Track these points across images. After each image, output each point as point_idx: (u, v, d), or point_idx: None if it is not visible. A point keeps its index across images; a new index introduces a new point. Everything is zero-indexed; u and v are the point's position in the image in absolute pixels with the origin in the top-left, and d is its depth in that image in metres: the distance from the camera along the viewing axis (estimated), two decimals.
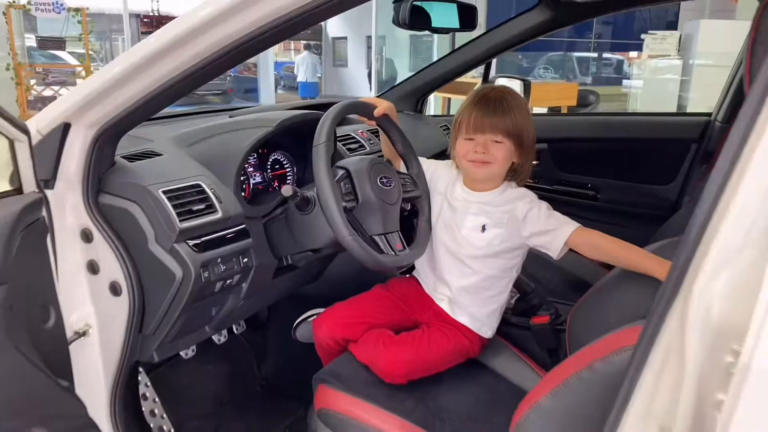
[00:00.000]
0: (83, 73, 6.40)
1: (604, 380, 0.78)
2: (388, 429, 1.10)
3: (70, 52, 6.79)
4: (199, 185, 1.19)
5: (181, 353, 1.44)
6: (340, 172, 1.24)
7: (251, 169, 1.44)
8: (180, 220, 1.11)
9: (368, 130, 1.74)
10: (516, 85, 2.35)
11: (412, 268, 1.45)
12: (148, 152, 1.25)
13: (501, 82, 2.28)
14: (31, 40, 6.51)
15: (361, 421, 1.12)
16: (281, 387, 1.66)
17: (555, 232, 1.22)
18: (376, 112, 1.32)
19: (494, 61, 2.47)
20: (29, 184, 1.02)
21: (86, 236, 1.13)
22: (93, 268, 1.15)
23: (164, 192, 1.12)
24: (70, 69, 6.53)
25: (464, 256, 1.31)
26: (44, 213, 1.04)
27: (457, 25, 1.84)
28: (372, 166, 1.27)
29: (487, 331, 1.34)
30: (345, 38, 15.32)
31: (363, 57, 14.87)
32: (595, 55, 10.69)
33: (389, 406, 1.14)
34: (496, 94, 1.29)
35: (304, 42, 16.14)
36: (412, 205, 1.37)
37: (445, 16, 1.85)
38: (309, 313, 1.52)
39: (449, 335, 1.30)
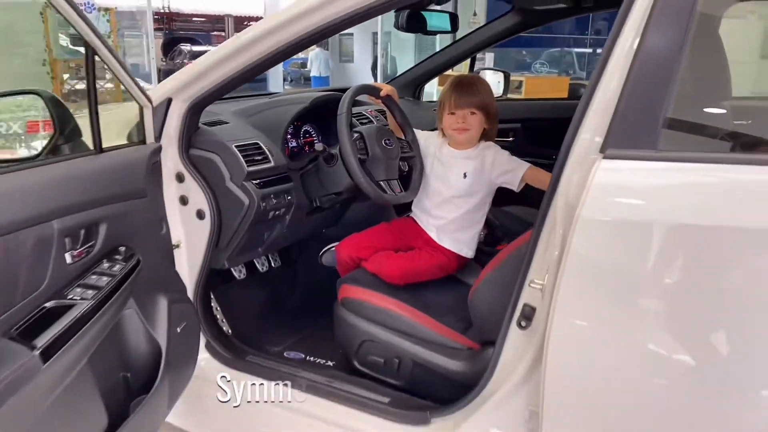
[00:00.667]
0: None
1: (521, 256, 1.25)
2: (390, 307, 1.61)
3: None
4: (257, 143, 1.69)
5: (234, 274, 1.95)
6: (356, 134, 1.74)
7: (288, 136, 1.94)
8: (247, 166, 1.61)
9: (376, 110, 2.23)
10: (499, 77, 2.86)
11: (409, 209, 1.94)
12: (219, 121, 1.75)
13: (486, 73, 2.79)
14: (64, 39, 7.02)
15: (371, 303, 1.63)
16: (309, 303, 2.14)
17: (514, 171, 1.72)
18: (382, 93, 1.83)
19: (493, 55, 2.96)
20: (150, 138, 1.53)
21: (179, 178, 1.63)
22: (183, 200, 1.64)
23: (236, 146, 1.62)
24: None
25: (451, 197, 1.80)
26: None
27: (448, 28, 2.34)
28: (378, 131, 1.77)
29: (468, 252, 1.83)
30: (351, 35, 15.80)
31: (368, 53, 15.36)
32: (591, 51, 11.13)
33: (390, 294, 1.64)
34: (468, 80, 1.79)
35: None
36: (408, 164, 1.87)
37: (438, 21, 2.35)
38: (331, 245, 2.02)
39: (434, 255, 1.80)
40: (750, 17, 1.77)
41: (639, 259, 1.01)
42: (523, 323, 1.22)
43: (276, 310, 2.12)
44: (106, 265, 1.20)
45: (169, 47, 18.19)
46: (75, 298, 1.06)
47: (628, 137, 1.03)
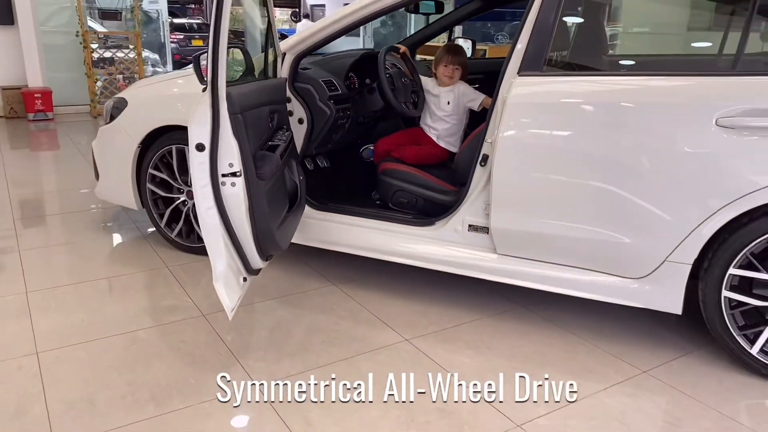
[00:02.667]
0: (134, 39, 7.96)
1: (481, 133, 2.52)
2: (410, 170, 2.88)
3: None
4: (331, 80, 2.93)
5: (318, 162, 3.18)
6: (387, 75, 2.99)
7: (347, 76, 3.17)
8: (329, 92, 2.85)
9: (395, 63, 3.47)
10: (469, 43, 4.13)
11: (417, 123, 3.20)
12: (306, 67, 2.98)
13: (459, 41, 4.05)
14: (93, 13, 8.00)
15: (399, 170, 2.90)
16: (352, 183, 3.37)
17: (475, 99, 3.00)
18: (401, 51, 3.08)
19: (461, 28, 4.23)
20: (280, 75, 2.76)
21: (288, 100, 2.85)
22: (290, 113, 2.87)
23: (322, 80, 2.86)
24: (123, 35, 8.06)
25: (442, 116, 3.06)
26: None
27: (434, 10, 3.60)
28: (400, 73, 3.04)
29: (453, 148, 3.10)
30: (323, 5, 16.81)
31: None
32: None
33: (412, 167, 2.91)
34: (455, 48, 3.06)
35: (291, 11, 17.70)
36: (416, 94, 3.13)
37: (427, 7, 3.61)
38: (367, 145, 3.28)
39: (433, 149, 3.07)
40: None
41: (534, 119, 2.30)
42: (482, 163, 2.50)
43: (336, 184, 3.33)
44: (279, 133, 2.44)
45: None
46: (278, 142, 2.31)
47: (529, 67, 2.31)
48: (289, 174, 2.59)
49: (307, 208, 2.89)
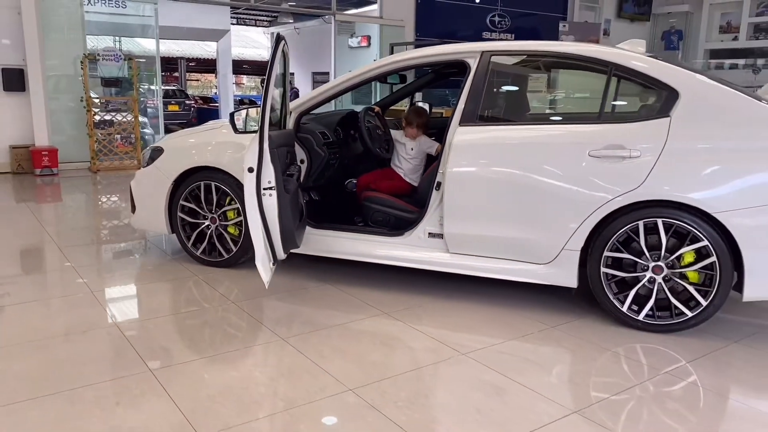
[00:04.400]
0: (131, 104, 8.92)
1: (436, 167, 3.54)
2: (386, 197, 3.86)
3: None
4: (324, 131, 3.95)
5: (312, 195, 4.15)
6: (366, 128, 4.03)
7: (335, 129, 4.19)
8: (322, 140, 3.85)
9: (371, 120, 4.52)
10: (426, 106, 5.22)
11: (389, 164, 4.21)
12: (306, 121, 3.99)
13: (420, 103, 5.15)
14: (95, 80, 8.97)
15: (377, 197, 3.88)
16: (344, 208, 4.32)
17: (432, 146, 4.04)
18: (376, 110, 4.13)
19: (421, 93, 5.37)
20: (288, 127, 3.75)
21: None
22: (298, 158, 3.85)
23: (318, 131, 3.87)
24: (123, 101, 9.02)
25: (408, 158, 4.08)
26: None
27: (398, 81, 4.69)
28: (375, 127, 4.08)
29: (415, 182, 4.11)
30: (293, 73, 18.33)
31: (308, 89, 17.89)
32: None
33: (386, 195, 3.90)
34: (418, 109, 4.13)
35: (261, 78, 19.14)
36: (388, 143, 4.16)
37: (393, 78, 4.69)
38: (350, 180, 4.27)
39: (401, 183, 4.07)
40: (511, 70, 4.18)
41: (471, 156, 3.33)
42: (437, 188, 3.49)
43: (328, 209, 4.27)
44: (292, 167, 3.42)
45: None
46: (292, 171, 3.28)
47: (467, 120, 3.36)
48: (298, 197, 3.55)
49: (307, 226, 3.82)
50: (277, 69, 2.81)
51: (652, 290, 3.08)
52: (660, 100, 3.12)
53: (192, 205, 4.06)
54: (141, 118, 10.81)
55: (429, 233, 3.55)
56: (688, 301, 3.03)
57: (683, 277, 3.03)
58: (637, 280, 3.10)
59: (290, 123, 3.78)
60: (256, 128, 3.14)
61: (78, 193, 7.22)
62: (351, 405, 2.35)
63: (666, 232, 3.01)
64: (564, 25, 13.38)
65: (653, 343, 3.00)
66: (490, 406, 2.38)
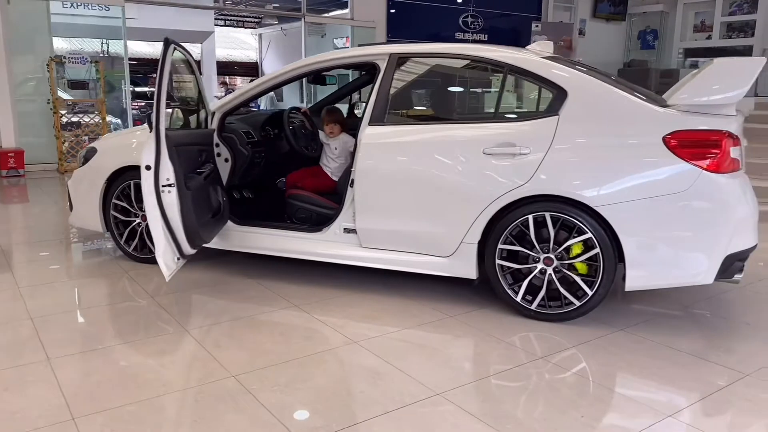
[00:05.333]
0: (98, 106, 9.05)
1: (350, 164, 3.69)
2: (308, 194, 4.00)
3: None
4: (249, 131, 4.08)
5: (244, 193, 4.29)
6: (291, 127, 4.16)
7: (261, 128, 4.33)
8: (246, 139, 3.99)
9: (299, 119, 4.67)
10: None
11: (317, 162, 4.35)
12: (231, 122, 4.13)
13: (360, 103, 5.28)
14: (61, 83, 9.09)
15: (301, 194, 4.02)
16: (272, 206, 4.47)
17: (351, 142, 4.18)
18: (302, 110, 4.27)
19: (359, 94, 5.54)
20: (211, 127, 3.89)
21: (217, 145, 3.97)
22: (218, 154, 3.99)
23: (242, 131, 4.01)
24: (90, 102, 9.15)
25: (334, 157, 4.22)
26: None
27: (335, 81, 4.83)
28: (302, 125, 4.21)
29: (336, 178, 4.25)
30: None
31: (296, 96, 18.02)
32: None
33: (310, 192, 4.04)
34: (330, 108, 4.27)
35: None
36: (314, 142, 4.30)
37: (331, 79, 4.83)
38: (281, 178, 4.41)
39: (327, 180, 4.21)
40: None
41: (378, 153, 3.46)
42: (351, 186, 3.63)
43: (259, 207, 4.41)
44: (206, 165, 3.55)
45: None
46: (204, 170, 3.41)
47: (375, 120, 3.50)
48: (214, 195, 3.68)
49: (230, 222, 3.96)
50: (167, 72, 2.94)
51: (543, 281, 3.22)
52: (550, 99, 3.26)
53: (124, 204, 4.19)
54: (114, 120, 10.98)
55: (344, 229, 3.69)
56: (577, 290, 3.17)
57: (572, 268, 3.17)
58: (530, 271, 3.24)
59: (213, 123, 3.92)
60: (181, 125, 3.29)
61: (42, 194, 7.35)
62: (227, 389, 2.49)
63: (554, 226, 3.15)
64: (537, 26, 13.55)
65: (543, 331, 3.14)
66: (361, 388, 2.52)
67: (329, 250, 3.72)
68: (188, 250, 3.24)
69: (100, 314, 3.33)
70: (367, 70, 4.59)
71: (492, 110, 3.44)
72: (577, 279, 3.15)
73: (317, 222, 3.92)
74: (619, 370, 2.75)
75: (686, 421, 2.29)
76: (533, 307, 3.25)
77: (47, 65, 8.51)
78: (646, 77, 13.52)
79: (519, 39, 13.48)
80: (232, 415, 2.30)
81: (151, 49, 25.00)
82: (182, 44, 3.27)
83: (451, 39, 12.90)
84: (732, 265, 3.04)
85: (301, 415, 2.30)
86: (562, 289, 3.19)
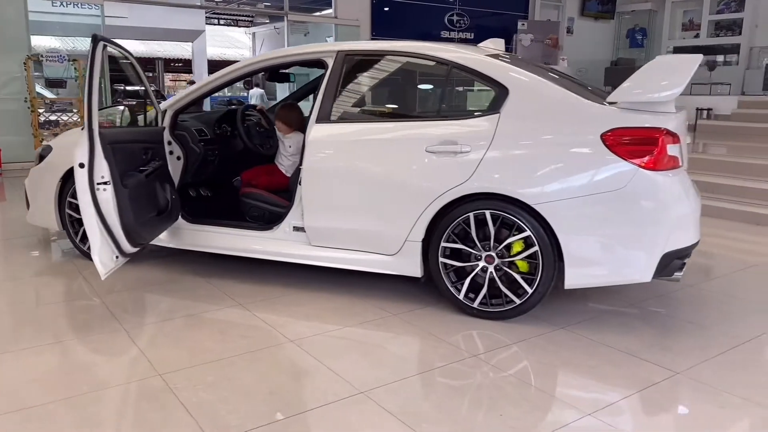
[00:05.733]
0: (77, 104, 9.04)
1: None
2: (262, 193, 3.98)
3: None
4: (201, 128, 4.07)
5: (201, 191, 4.28)
6: (246, 125, 4.15)
7: (214, 125, 4.32)
8: (198, 137, 3.98)
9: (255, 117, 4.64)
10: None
11: (272, 160, 4.34)
12: (184, 120, 4.11)
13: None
14: (39, 80, 9.08)
15: (254, 192, 4.00)
16: (228, 205, 4.46)
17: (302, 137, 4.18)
18: (258, 107, 4.26)
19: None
20: (162, 125, 3.88)
21: (169, 143, 3.96)
22: (171, 152, 3.97)
23: (194, 129, 3.99)
24: (68, 101, 9.13)
25: (288, 155, 4.20)
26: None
27: (294, 80, 4.81)
28: (257, 123, 4.20)
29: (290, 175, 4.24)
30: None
31: (286, 92, 18.08)
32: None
33: (264, 191, 4.03)
34: (285, 105, 4.25)
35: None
36: (271, 141, 4.29)
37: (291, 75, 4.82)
38: (237, 177, 4.39)
39: (282, 178, 4.19)
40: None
41: (323, 152, 3.45)
42: (300, 184, 3.62)
43: (215, 205, 4.40)
44: (152, 163, 3.53)
45: None
46: (149, 168, 3.40)
47: (322, 118, 3.48)
48: (162, 192, 3.67)
49: (182, 221, 3.95)
50: (98, 69, 2.93)
51: (485, 279, 3.21)
52: (492, 97, 3.25)
53: (77, 202, 4.18)
54: None
55: (294, 227, 3.68)
56: (518, 289, 3.16)
57: (513, 266, 3.16)
58: (473, 269, 3.23)
59: (165, 121, 3.90)
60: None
61: (16, 190, 7.33)
62: (152, 388, 2.48)
63: (494, 224, 3.14)
64: (522, 24, 13.52)
65: (485, 329, 3.13)
66: (287, 388, 2.51)
67: (279, 248, 3.71)
68: (128, 248, 3.23)
69: (44, 313, 3.32)
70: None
71: (436, 109, 3.43)
72: (518, 277, 3.14)
73: (269, 220, 3.91)
74: (551, 368, 2.74)
75: (605, 420, 2.28)
76: (475, 305, 3.24)
77: (24, 63, 8.49)
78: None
79: (505, 37, 13.46)
80: (151, 414, 2.29)
81: (145, 48, 25.07)
82: (115, 41, 3.24)
83: (437, 38, 12.88)
84: (671, 263, 3.03)
85: (218, 414, 2.29)
86: (503, 287, 3.18)
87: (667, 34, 15.52)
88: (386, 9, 12.09)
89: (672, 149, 2.97)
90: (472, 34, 13.44)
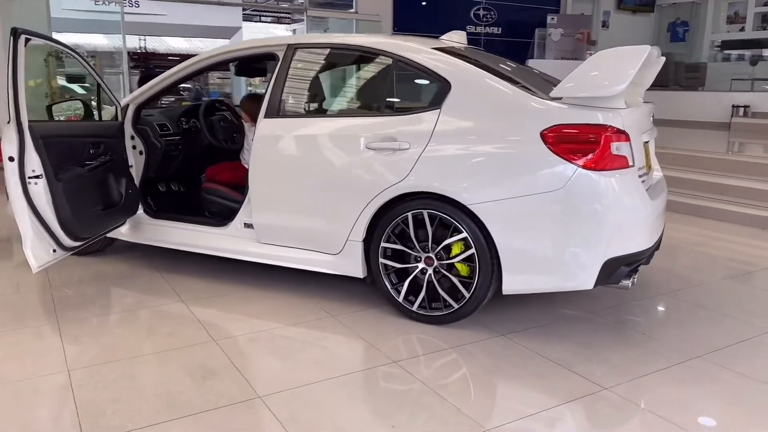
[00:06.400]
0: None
1: None
2: (220, 188, 3.94)
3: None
4: (164, 123, 4.06)
5: (172, 186, 4.28)
6: (211, 120, 4.12)
7: (179, 119, 4.30)
8: (160, 131, 3.97)
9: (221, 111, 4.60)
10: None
11: (238, 157, 4.29)
12: (148, 114, 4.11)
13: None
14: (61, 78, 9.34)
15: (212, 188, 3.97)
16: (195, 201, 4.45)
17: None
18: (225, 102, 4.22)
19: None
20: (122, 120, 3.89)
21: (132, 138, 3.96)
22: (134, 147, 3.97)
23: (156, 123, 3.99)
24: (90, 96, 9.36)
25: (250, 148, 4.16)
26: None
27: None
28: (222, 118, 4.17)
29: None
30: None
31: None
32: None
33: (223, 186, 3.98)
34: (250, 95, 4.19)
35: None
36: (238, 135, 4.24)
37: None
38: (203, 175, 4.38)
39: (245, 174, 4.14)
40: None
41: (270, 147, 3.38)
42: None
43: (182, 200, 4.40)
44: (102, 157, 3.53)
45: (143, 81, 20.86)
46: (96, 162, 3.41)
47: (270, 114, 3.41)
48: (116, 186, 3.67)
49: (144, 215, 3.94)
50: (21, 63, 2.92)
51: (425, 281, 3.07)
52: (435, 91, 3.10)
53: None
54: None
55: (244, 224, 3.62)
56: (458, 292, 3.01)
57: (454, 268, 3.02)
58: (412, 271, 3.10)
59: (128, 115, 3.90)
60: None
61: None
62: (53, 384, 2.46)
63: (432, 224, 3.00)
64: (552, 18, 13.12)
65: (420, 333, 3.00)
66: (185, 389, 2.44)
67: (230, 245, 3.66)
68: (68, 243, 3.23)
69: None
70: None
71: (379, 104, 3.31)
72: (455, 280, 2.99)
73: (227, 216, 3.86)
74: (469, 378, 2.59)
75: None
76: (414, 308, 3.11)
77: (45, 60, 8.75)
78: (668, 71, 12.94)
79: (534, 32, 13.12)
80: (40, 411, 2.27)
81: (188, 45, 25.69)
82: (43, 34, 3.25)
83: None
84: (617, 270, 2.82)
85: (103, 413, 2.25)
86: (440, 291, 3.03)
87: (710, 27, 14.80)
88: (407, 4, 11.94)
89: (618, 148, 2.76)
90: (500, 29, 13.14)
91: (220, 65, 3.92)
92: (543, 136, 2.77)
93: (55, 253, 3.20)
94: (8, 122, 2.95)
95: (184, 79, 3.84)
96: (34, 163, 2.97)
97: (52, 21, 9.29)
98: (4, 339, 2.90)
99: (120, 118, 3.86)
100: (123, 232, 3.95)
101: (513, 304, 3.31)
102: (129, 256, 4.18)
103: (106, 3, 18.61)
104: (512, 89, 2.93)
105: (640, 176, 2.98)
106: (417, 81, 3.26)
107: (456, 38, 3.77)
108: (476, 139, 2.92)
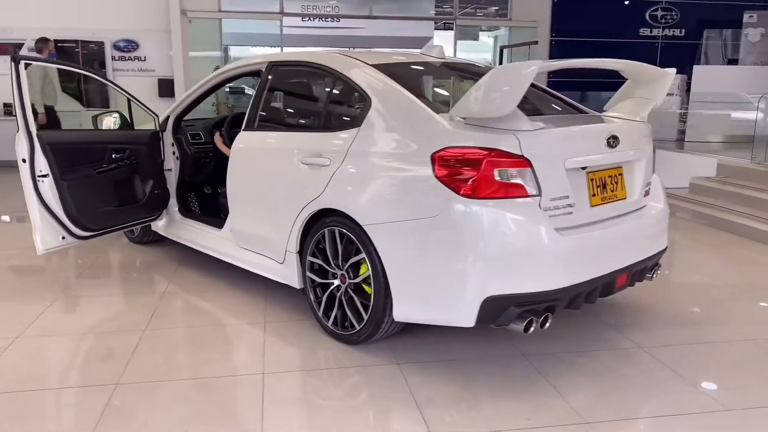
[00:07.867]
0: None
1: None
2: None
3: None
4: (198, 132, 4.55)
5: (205, 190, 4.80)
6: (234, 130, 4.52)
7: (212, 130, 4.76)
8: (192, 140, 4.47)
9: None
10: None
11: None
12: (190, 124, 4.64)
13: None
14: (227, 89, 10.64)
15: None
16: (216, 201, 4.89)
17: None
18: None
19: None
20: (161, 129, 4.46)
21: (172, 145, 4.52)
22: (174, 153, 4.53)
23: (189, 132, 4.49)
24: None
25: None
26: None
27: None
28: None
29: None
30: None
31: None
32: None
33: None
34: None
35: None
36: None
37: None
38: None
39: None
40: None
41: (241, 158, 3.63)
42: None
43: (203, 203, 4.86)
44: (124, 162, 4.11)
45: None
46: (113, 165, 4.00)
47: (248, 126, 3.66)
48: (141, 186, 4.23)
49: (177, 214, 4.48)
50: (25, 86, 3.53)
51: (337, 299, 3.06)
52: (361, 108, 3.06)
53: None
54: None
55: (230, 228, 3.94)
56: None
57: (360, 288, 2.97)
58: (330, 286, 3.11)
59: (168, 125, 4.45)
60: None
61: None
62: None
63: (341, 242, 2.98)
64: (751, 16, 11.32)
65: (331, 350, 3.01)
66: (35, 376, 2.81)
67: (220, 246, 3.99)
68: (78, 232, 3.83)
69: None
70: None
71: (318, 119, 3.36)
72: (357, 301, 2.94)
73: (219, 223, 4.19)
74: (319, 404, 2.55)
75: None
76: (329, 324, 3.12)
77: (216, 68, 10.10)
78: None
79: (723, 34, 11.46)
80: None
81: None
82: (42, 57, 3.90)
83: (633, 36, 11.56)
84: (505, 310, 2.53)
85: None
86: (347, 310, 3.00)
87: None
88: (569, 7, 11.26)
89: (506, 174, 2.47)
90: (682, 31, 11.73)
91: (232, 80, 4.27)
92: (433, 158, 2.61)
93: (65, 240, 3.83)
94: (17, 131, 3.62)
95: (205, 94, 4.27)
96: (41, 164, 3.62)
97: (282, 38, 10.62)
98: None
99: (157, 128, 4.43)
100: (159, 226, 4.53)
101: (463, 333, 3.10)
102: (170, 248, 4.76)
103: (311, 20, 20.50)
104: (421, 108, 2.78)
105: (565, 206, 2.63)
106: (351, 97, 3.25)
107: (434, 52, 3.63)
108: (379, 158, 2.84)
